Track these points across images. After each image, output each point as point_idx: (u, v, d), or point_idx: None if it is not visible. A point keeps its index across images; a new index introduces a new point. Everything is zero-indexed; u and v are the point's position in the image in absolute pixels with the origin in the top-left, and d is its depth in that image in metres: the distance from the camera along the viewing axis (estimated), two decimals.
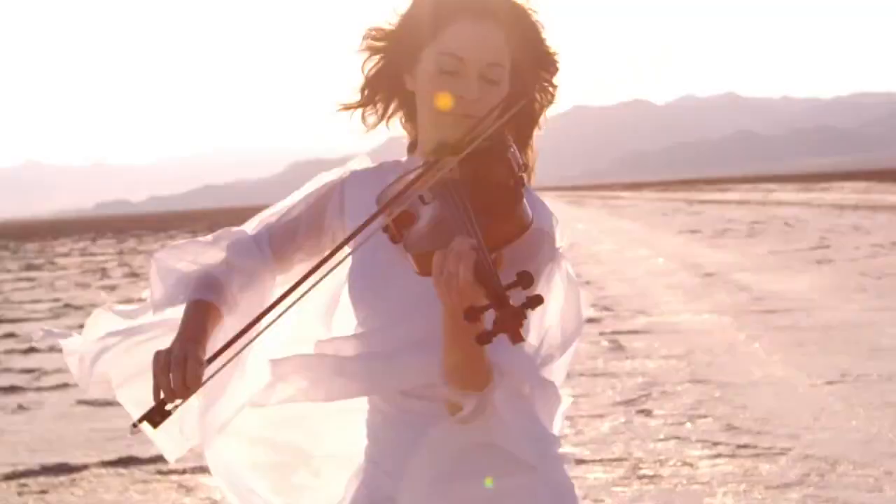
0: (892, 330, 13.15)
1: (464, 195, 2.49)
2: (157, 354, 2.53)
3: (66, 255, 48.63)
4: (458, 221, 2.44)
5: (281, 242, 2.81)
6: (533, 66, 2.73)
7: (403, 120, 2.84)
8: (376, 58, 2.77)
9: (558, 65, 2.76)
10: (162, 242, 54.00)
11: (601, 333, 14.21)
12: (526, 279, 2.26)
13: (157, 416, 2.54)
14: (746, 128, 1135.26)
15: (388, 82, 2.77)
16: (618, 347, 13.17)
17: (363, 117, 2.81)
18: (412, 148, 2.82)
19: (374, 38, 2.76)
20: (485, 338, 2.25)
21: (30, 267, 40.66)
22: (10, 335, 17.84)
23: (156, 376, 2.50)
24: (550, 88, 2.77)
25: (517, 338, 2.23)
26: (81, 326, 2.88)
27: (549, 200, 2.53)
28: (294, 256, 2.81)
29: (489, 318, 2.25)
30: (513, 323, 2.22)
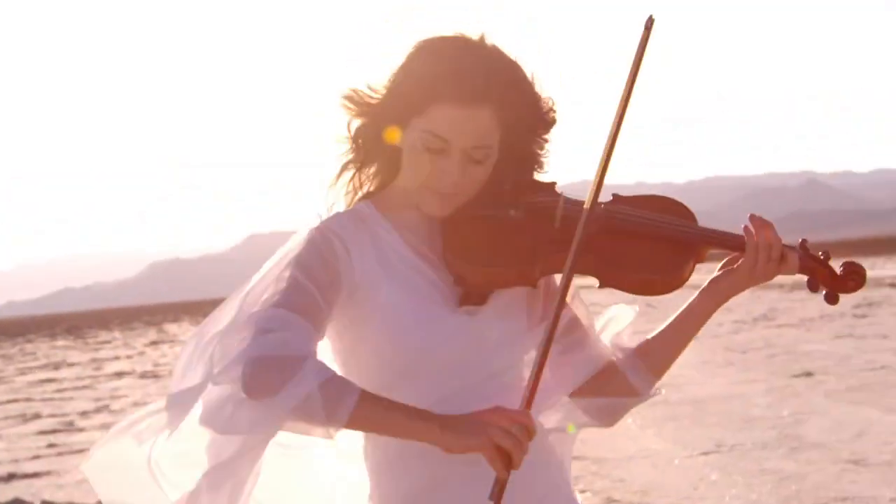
0: (762, 400, 13.28)
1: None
2: (493, 432, 2.43)
3: None
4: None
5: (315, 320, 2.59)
6: (528, 130, 2.68)
7: (374, 171, 2.76)
8: (362, 118, 2.68)
9: (555, 117, 2.71)
10: (20, 347, 52.97)
11: None
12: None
13: (500, 491, 2.46)
14: None
15: (373, 139, 2.69)
16: None
17: (355, 177, 2.74)
18: (380, 202, 2.74)
19: (360, 99, 2.67)
20: (830, 299, 2.67)
21: None
22: None
23: (510, 453, 2.42)
24: (545, 139, 2.73)
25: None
26: None
27: None
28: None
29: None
30: (839, 281, 2.67)
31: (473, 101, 2.56)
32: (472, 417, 2.45)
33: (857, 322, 22.41)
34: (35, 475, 12.46)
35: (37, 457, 13.78)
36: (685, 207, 2.75)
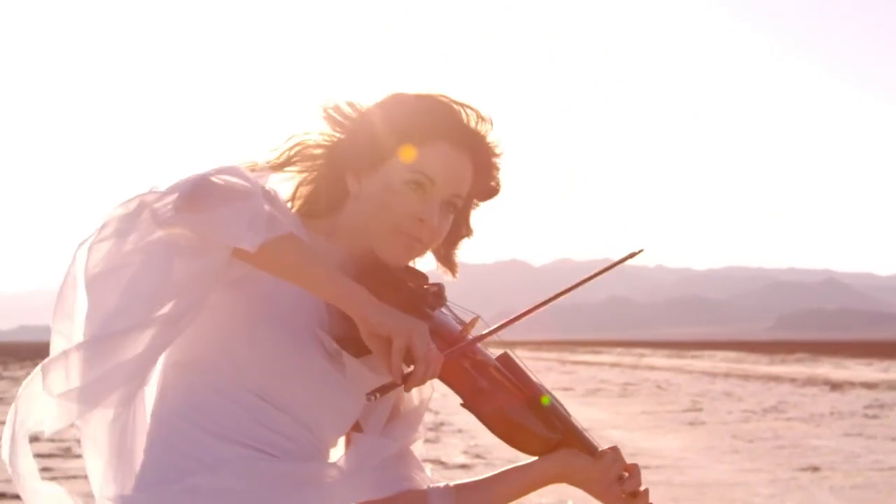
0: (765, 490, 13.10)
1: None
2: (416, 334, 2.28)
3: None
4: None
5: None
6: (472, 200, 2.67)
7: (299, 203, 2.65)
8: (323, 139, 2.61)
9: (496, 195, 2.69)
10: (28, 370, 52.94)
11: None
12: None
13: (382, 392, 2.33)
14: (621, 294, 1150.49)
15: (321, 167, 2.61)
16: None
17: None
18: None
19: (344, 116, 2.59)
20: None
21: None
22: None
23: (417, 361, 2.28)
24: (469, 220, 2.72)
25: None
26: None
27: None
28: None
29: None
30: None
31: (466, 146, 2.52)
32: (402, 315, 2.32)
33: (868, 422, 22.20)
34: None
35: None
36: None
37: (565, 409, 2.68)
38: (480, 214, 2.66)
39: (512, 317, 2.53)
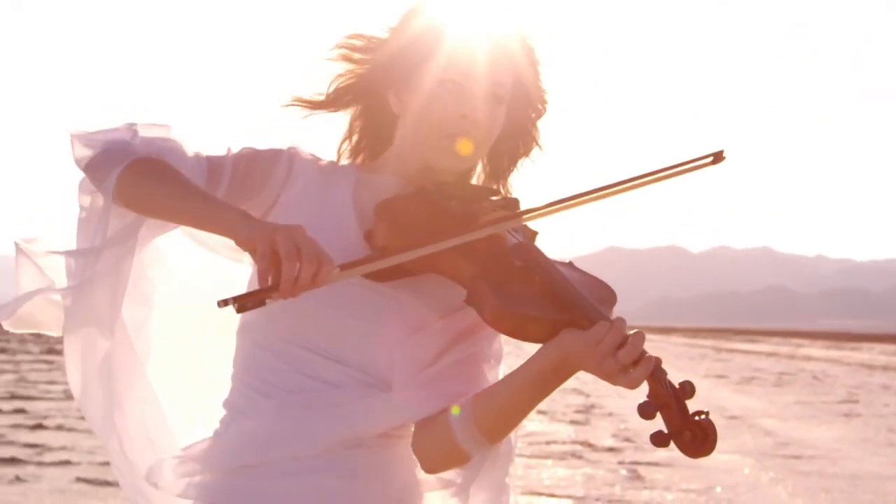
0: None
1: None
2: (281, 235, 2.15)
3: None
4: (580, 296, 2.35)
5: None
6: (525, 105, 2.56)
7: (356, 137, 2.64)
8: (352, 67, 2.56)
9: (546, 107, 2.58)
10: None
11: (620, 462, 13.88)
12: (691, 389, 2.23)
13: (250, 301, 2.15)
14: (780, 283, 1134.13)
15: (364, 95, 2.57)
16: (636, 477, 12.83)
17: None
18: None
19: (358, 48, 2.55)
20: (659, 440, 2.21)
21: (51, 351, 40.42)
22: (20, 411, 17.59)
23: (282, 260, 2.14)
24: (535, 133, 2.60)
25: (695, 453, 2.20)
26: None
27: None
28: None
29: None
30: (694, 442, 2.21)
31: (496, 39, 2.45)
32: (272, 222, 2.23)
33: None
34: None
35: None
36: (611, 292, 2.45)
37: (594, 282, 2.45)
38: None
39: (537, 206, 2.41)
